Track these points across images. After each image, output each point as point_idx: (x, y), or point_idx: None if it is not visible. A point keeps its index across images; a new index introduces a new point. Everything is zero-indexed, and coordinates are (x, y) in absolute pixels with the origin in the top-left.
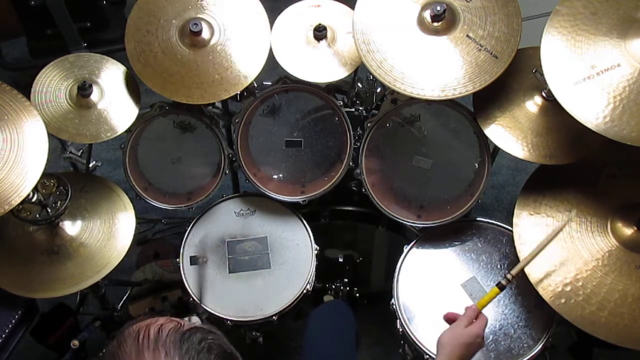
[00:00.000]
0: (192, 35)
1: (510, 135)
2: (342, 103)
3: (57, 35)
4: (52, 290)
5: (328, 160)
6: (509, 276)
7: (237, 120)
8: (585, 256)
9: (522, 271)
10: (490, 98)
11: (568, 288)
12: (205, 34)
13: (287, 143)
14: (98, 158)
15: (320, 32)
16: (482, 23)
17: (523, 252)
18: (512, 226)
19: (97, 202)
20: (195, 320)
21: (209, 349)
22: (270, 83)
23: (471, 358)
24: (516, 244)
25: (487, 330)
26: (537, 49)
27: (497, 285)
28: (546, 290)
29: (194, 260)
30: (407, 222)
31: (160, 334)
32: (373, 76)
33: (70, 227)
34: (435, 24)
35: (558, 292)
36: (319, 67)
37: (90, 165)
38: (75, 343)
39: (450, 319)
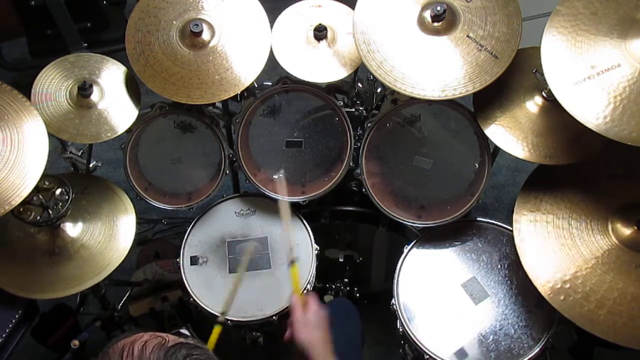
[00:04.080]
0: (192, 35)
1: (511, 135)
2: (342, 103)
3: (58, 36)
4: (53, 291)
5: (328, 160)
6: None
7: (237, 121)
8: (585, 254)
9: None
10: (491, 98)
11: (567, 285)
12: (206, 35)
13: (288, 143)
14: (98, 158)
15: (320, 32)
16: (482, 23)
17: (522, 249)
18: (512, 226)
19: (98, 203)
20: (184, 332)
21: None
22: (270, 83)
23: (323, 332)
24: (516, 241)
25: (487, 330)
26: (537, 49)
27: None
28: (545, 287)
29: (194, 260)
30: (408, 222)
31: (144, 351)
32: (373, 76)
33: (72, 229)
34: (436, 24)
35: (557, 289)
36: (319, 67)
37: (91, 165)
38: (75, 343)
39: (287, 338)
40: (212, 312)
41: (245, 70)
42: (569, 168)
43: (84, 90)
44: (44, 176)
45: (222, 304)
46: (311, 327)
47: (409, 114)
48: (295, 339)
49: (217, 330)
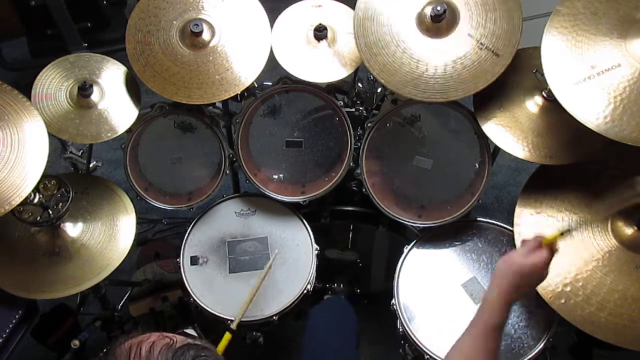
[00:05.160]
0: (192, 35)
1: (511, 135)
2: (342, 103)
3: (58, 36)
4: (53, 292)
5: (328, 160)
6: (573, 224)
7: (237, 121)
8: (585, 256)
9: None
10: (491, 98)
11: (568, 288)
12: (206, 35)
13: (288, 143)
14: (98, 158)
15: (320, 32)
16: (483, 21)
17: None
18: (512, 226)
19: (98, 203)
20: (191, 332)
21: None
22: (270, 83)
23: (529, 289)
24: (516, 242)
25: None
26: (537, 49)
27: (561, 233)
28: (546, 290)
29: (194, 260)
30: (408, 222)
31: (152, 352)
32: (373, 77)
33: (72, 229)
34: (436, 23)
35: (558, 292)
36: (319, 67)
37: (91, 165)
38: (75, 343)
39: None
40: (214, 312)
41: (245, 70)
42: (569, 168)
43: (84, 90)
44: (44, 176)
45: (238, 313)
46: (513, 268)
47: (409, 114)
48: (500, 260)
49: (227, 337)
